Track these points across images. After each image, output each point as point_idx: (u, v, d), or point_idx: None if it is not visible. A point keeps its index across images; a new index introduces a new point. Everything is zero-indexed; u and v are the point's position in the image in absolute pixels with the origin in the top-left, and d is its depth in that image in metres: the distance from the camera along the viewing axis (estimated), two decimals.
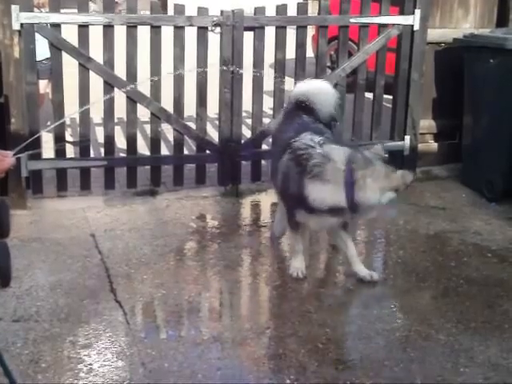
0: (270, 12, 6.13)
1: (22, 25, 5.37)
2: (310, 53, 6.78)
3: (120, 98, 5.87)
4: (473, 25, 6.88)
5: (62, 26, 5.60)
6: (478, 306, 4.36)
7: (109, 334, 3.87)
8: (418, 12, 6.36)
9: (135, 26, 5.76)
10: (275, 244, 5.13)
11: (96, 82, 5.85)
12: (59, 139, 5.89)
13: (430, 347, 3.82)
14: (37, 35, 5.52)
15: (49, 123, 6.73)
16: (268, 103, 6.63)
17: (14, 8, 5.31)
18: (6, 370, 2.95)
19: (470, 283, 4.58)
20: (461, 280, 4.62)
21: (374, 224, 5.66)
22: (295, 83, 6.12)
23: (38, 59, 5.73)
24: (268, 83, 6.28)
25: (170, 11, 6.11)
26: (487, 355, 3.75)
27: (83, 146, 5.95)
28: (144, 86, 5.91)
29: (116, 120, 6.13)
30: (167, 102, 6.05)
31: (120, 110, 6.03)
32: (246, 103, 6.29)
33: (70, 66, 5.86)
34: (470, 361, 3.69)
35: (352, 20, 6.32)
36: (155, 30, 5.83)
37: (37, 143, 5.71)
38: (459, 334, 3.95)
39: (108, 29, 5.70)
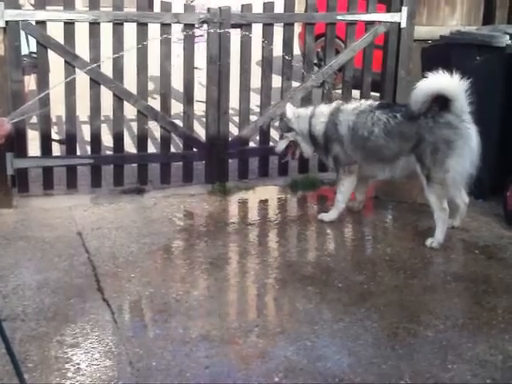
0: (257, 9, 6.12)
1: (6, 22, 5.33)
2: (296, 50, 6.77)
3: (107, 95, 5.85)
4: (459, 22, 6.90)
5: (48, 23, 5.56)
6: (466, 302, 4.37)
7: (96, 333, 3.85)
8: (404, 9, 6.38)
9: (121, 23, 5.73)
10: None
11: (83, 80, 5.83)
12: (46, 137, 5.85)
13: (418, 344, 3.82)
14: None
15: (34, 119, 6.69)
16: (255, 100, 6.61)
17: None
18: (18, 370, 2.94)
19: (457, 280, 4.59)
20: (448, 277, 4.63)
21: (361, 221, 5.68)
22: (282, 80, 6.15)
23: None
24: (255, 80, 6.26)
25: (157, 8, 6.07)
26: (475, 352, 3.75)
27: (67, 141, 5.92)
28: (131, 83, 5.89)
29: (102, 118, 6.10)
30: (154, 100, 6.02)
31: (106, 107, 5.99)
32: (233, 101, 6.27)
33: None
34: (458, 357, 3.70)
35: (339, 17, 6.33)
36: (142, 27, 5.80)
37: (23, 141, 5.72)
38: (447, 330, 3.96)
39: (94, 26, 5.66)
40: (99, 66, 5.75)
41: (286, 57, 6.20)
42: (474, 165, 4.97)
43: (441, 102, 4.95)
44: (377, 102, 5.43)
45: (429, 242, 5.04)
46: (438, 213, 5.04)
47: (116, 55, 5.68)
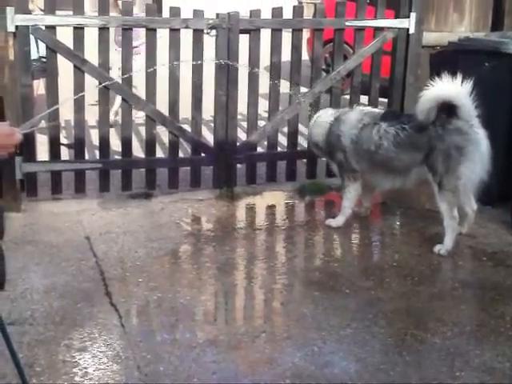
0: (266, 15, 6.13)
1: (16, 27, 5.36)
2: (305, 55, 6.78)
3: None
4: (468, 28, 6.90)
5: (57, 28, 5.59)
6: (474, 309, 4.37)
7: (104, 338, 3.85)
8: (413, 15, 6.38)
9: (131, 29, 5.75)
10: None
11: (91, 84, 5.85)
12: (54, 141, 5.88)
13: (425, 351, 3.81)
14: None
15: (43, 124, 6.72)
16: (263, 106, 6.62)
17: (9, 10, 5.30)
18: (19, 370, 2.96)
19: (465, 287, 4.58)
20: (456, 283, 4.62)
21: (369, 227, 5.68)
22: (290, 86, 6.15)
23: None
24: (263, 86, 6.27)
25: (166, 14, 6.08)
26: (483, 359, 3.74)
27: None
28: (140, 88, 5.91)
29: (111, 122, 6.12)
30: (163, 105, 6.04)
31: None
32: (242, 106, 6.28)
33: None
34: (466, 364, 3.69)
35: (347, 23, 6.33)
36: (151, 32, 5.82)
37: (32, 145, 5.74)
38: (455, 337, 3.95)
39: (103, 31, 5.69)
40: (108, 71, 5.77)
41: (255, 69, 6.15)
42: (484, 170, 4.96)
43: (448, 109, 4.94)
44: (381, 112, 5.43)
45: (437, 248, 5.03)
46: (448, 220, 5.03)
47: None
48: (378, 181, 5.41)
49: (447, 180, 4.97)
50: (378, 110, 5.56)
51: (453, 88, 4.90)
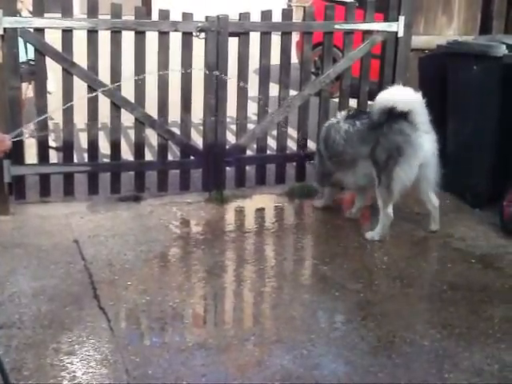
0: (255, 18, 6.13)
1: (4, 29, 5.34)
2: (294, 58, 6.78)
3: (104, 103, 5.85)
4: (456, 32, 6.93)
5: (46, 30, 5.57)
6: (463, 311, 4.37)
7: (92, 341, 3.84)
8: (402, 19, 6.39)
9: (119, 31, 5.74)
10: None
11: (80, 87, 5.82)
12: (43, 144, 5.85)
13: (414, 353, 3.82)
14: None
15: (32, 127, 6.68)
16: (253, 109, 6.62)
17: None
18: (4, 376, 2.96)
19: (454, 289, 4.59)
20: (445, 286, 4.63)
21: (358, 229, 5.68)
22: (279, 89, 6.16)
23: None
24: (252, 89, 6.28)
25: (155, 16, 6.08)
26: (471, 361, 3.76)
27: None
28: (128, 91, 5.89)
29: (100, 125, 6.10)
30: (151, 108, 6.02)
31: (104, 115, 5.99)
32: (231, 109, 6.27)
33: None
34: (455, 366, 3.70)
35: (337, 26, 6.33)
36: (140, 35, 5.81)
37: (20, 148, 5.72)
38: (444, 339, 3.96)
39: (92, 34, 5.67)
40: (96, 73, 5.76)
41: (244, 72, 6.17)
42: (431, 172, 5.22)
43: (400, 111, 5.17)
44: (349, 112, 5.70)
45: (369, 235, 5.31)
46: (381, 215, 5.29)
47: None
48: (339, 176, 5.64)
49: (383, 176, 5.19)
50: (354, 112, 5.80)
51: (401, 95, 5.19)
